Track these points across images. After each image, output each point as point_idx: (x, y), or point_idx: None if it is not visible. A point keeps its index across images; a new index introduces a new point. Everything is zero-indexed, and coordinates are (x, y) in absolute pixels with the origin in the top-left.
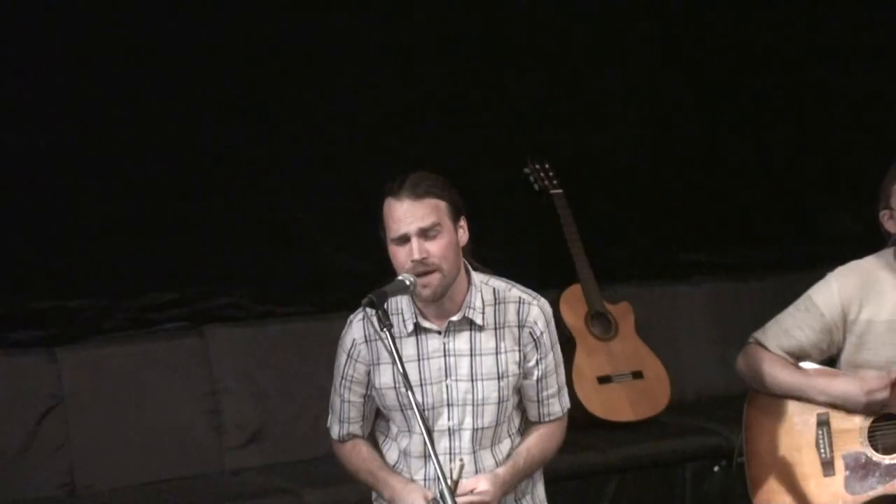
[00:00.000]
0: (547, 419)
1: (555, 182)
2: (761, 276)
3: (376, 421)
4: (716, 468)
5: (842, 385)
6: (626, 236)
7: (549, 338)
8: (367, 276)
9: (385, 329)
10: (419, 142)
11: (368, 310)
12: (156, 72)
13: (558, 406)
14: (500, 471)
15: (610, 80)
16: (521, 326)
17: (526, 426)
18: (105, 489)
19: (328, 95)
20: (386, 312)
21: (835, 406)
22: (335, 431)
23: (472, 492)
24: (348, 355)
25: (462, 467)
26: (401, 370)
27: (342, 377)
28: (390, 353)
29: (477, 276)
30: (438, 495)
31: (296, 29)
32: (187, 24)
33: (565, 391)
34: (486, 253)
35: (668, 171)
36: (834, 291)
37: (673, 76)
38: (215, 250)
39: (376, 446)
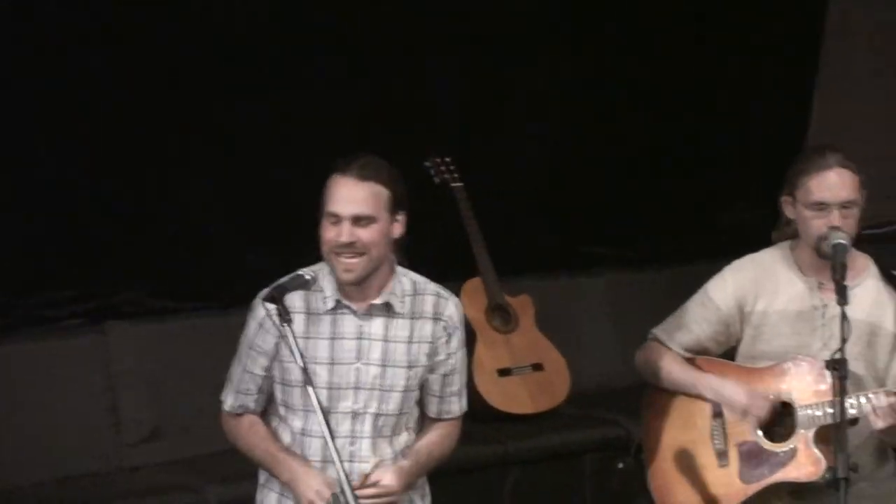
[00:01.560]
0: (445, 416)
1: (455, 175)
2: (660, 267)
3: (269, 405)
4: (620, 465)
5: (731, 388)
6: (525, 229)
7: (460, 336)
8: (272, 273)
9: (285, 324)
10: (322, 137)
11: (269, 305)
12: (67, 64)
13: (457, 406)
14: (405, 464)
15: (511, 74)
16: (436, 319)
17: (423, 424)
18: (1, 487)
19: (234, 92)
20: (286, 308)
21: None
22: (229, 402)
23: (377, 483)
24: (260, 324)
25: (377, 464)
26: (301, 365)
27: (249, 346)
28: (290, 349)
29: (400, 268)
30: (339, 491)
31: (206, 23)
32: (91, 23)
33: (465, 394)
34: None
35: (568, 164)
36: (729, 285)
37: (574, 71)
38: (116, 246)
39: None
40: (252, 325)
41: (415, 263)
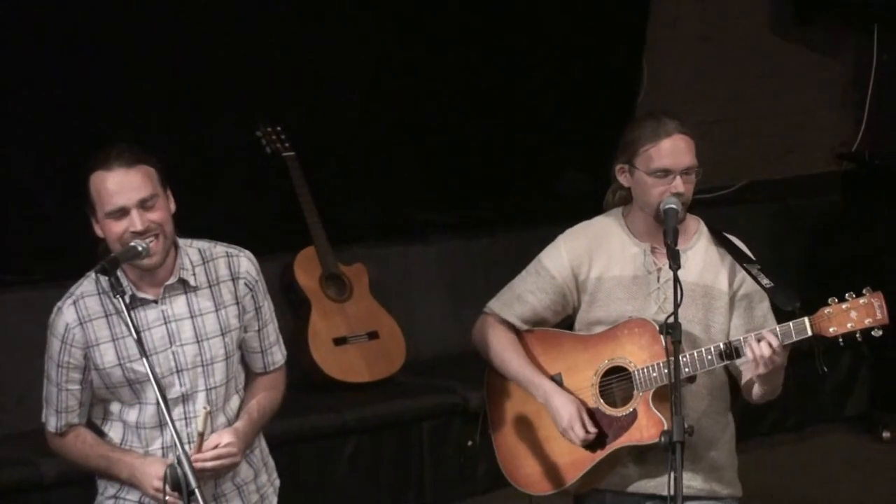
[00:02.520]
0: (272, 368)
1: (287, 145)
2: (493, 233)
3: (92, 408)
4: (469, 443)
5: (559, 402)
6: (358, 198)
7: (262, 287)
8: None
9: (118, 296)
10: (150, 108)
11: (102, 277)
12: None
13: (280, 354)
14: (239, 425)
15: (338, 42)
16: (234, 279)
17: (249, 381)
18: None
19: (60, 59)
20: (119, 279)
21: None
22: (52, 424)
23: (217, 446)
24: (62, 341)
25: (208, 413)
26: (135, 337)
27: (58, 365)
28: (126, 322)
29: (180, 240)
30: (177, 462)
31: None
32: None
33: (281, 339)
34: (218, 218)
35: (399, 132)
36: (563, 253)
37: (399, 38)
38: None
39: (97, 432)
40: (55, 344)
41: (248, 234)
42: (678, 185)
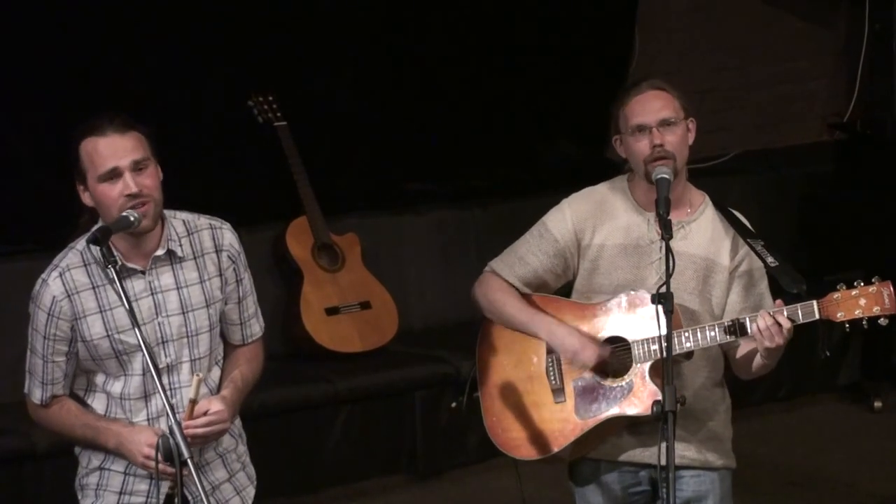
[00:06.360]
0: (250, 340)
1: (279, 114)
2: (485, 203)
3: (75, 379)
4: (453, 404)
5: (564, 331)
6: (350, 167)
7: (244, 259)
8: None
9: (111, 266)
10: (143, 74)
11: (89, 248)
12: None
13: (258, 326)
14: (226, 393)
15: (332, 10)
16: (218, 251)
17: (227, 353)
18: None
19: (50, 28)
20: (110, 249)
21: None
22: (37, 395)
23: (206, 413)
24: (49, 314)
25: (200, 380)
26: (127, 306)
27: (45, 337)
28: (117, 292)
29: (165, 211)
30: (168, 432)
31: None
32: None
33: (260, 311)
34: (210, 187)
35: (392, 102)
36: (567, 217)
37: (392, 8)
38: None
39: (80, 402)
40: (41, 316)
41: (240, 204)
42: (655, 136)
